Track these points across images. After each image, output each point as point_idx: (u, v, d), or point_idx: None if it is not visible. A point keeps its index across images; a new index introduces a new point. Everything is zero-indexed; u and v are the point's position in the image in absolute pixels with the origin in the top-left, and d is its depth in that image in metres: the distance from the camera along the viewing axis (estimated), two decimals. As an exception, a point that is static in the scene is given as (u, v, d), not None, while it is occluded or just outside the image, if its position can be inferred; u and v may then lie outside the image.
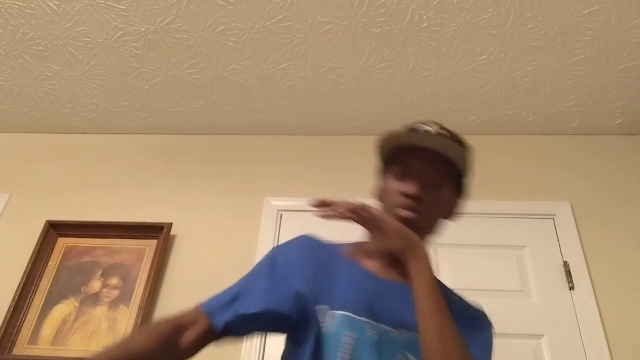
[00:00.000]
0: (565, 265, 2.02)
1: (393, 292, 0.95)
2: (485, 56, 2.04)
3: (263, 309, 0.92)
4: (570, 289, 1.97)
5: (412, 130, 1.02)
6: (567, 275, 1.99)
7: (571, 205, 2.15)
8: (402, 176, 0.98)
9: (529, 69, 2.08)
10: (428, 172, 0.97)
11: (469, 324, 0.95)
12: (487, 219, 2.16)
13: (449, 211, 1.03)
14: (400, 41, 2.00)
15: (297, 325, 0.92)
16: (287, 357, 0.96)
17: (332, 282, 0.96)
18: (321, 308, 0.92)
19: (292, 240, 1.06)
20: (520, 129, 2.38)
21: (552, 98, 2.21)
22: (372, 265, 1.00)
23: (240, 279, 1.03)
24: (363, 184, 2.42)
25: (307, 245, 1.04)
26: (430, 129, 1.01)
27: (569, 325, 1.90)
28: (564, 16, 1.86)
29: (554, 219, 2.14)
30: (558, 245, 2.07)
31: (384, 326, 0.90)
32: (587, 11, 1.84)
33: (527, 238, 2.11)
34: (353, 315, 0.90)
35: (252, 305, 0.93)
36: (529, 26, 1.91)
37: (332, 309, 0.91)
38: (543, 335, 1.89)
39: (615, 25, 1.88)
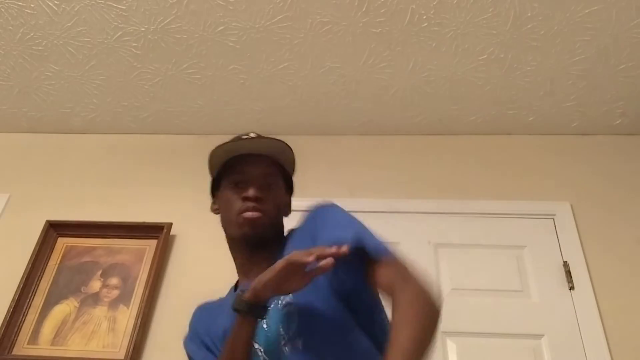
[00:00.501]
0: (565, 265, 2.02)
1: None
2: (485, 56, 2.04)
3: None
4: (570, 289, 1.97)
5: (235, 140, 1.09)
6: (567, 275, 1.99)
7: (571, 205, 2.15)
8: (237, 184, 1.05)
9: (529, 69, 2.08)
10: (260, 174, 1.05)
11: (308, 231, 1.00)
12: (487, 219, 2.16)
13: (285, 208, 1.11)
14: (400, 41, 2.00)
15: None
16: None
17: (214, 329, 1.03)
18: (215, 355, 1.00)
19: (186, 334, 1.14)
20: (520, 129, 2.38)
21: (552, 98, 2.21)
22: (241, 281, 1.09)
23: None
24: (363, 183, 2.43)
25: (192, 322, 1.14)
26: (252, 136, 1.09)
27: (569, 325, 1.90)
28: (564, 16, 1.86)
29: (554, 219, 2.14)
30: (558, 245, 2.07)
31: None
32: (587, 11, 1.84)
33: (527, 238, 2.11)
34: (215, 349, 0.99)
35: None
36: (529, 26, 1.91)
37: (214, 343, 0.99)
38: (543, 335, 1.89)
39: (615, 25, 1.88)
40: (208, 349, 1.04)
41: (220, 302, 1.12)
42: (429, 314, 0.81)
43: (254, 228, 1.01)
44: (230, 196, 1.05)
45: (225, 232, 1.09)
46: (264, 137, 1.09)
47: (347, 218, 1.00)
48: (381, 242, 0.94)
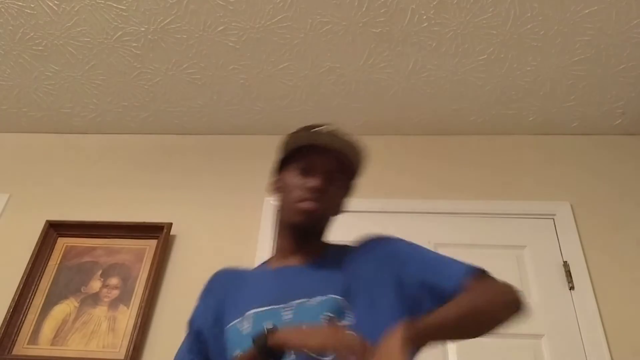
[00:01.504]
0: (565, 265, 2.02)
1: (293, 274, 1.02)
2: (485, 56, 2.04)
3: None
4: (570, 289, 1.97)
5: (314, 131, 1.08)
6: (567, 275, 1.99)
7: (571, 205, 2.16)
8: (304, 172, 1.04)
9: (529, 69, 2.08)
10: (328, 168, 1.04)
11: (378, 259, 1.00)
12: (487, 219, 2.16)
13: (338, 207, 1.10)
14: (400, 41, 2.00)
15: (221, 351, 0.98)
16: None
17: (239, 295, 1.03)
18: (232, 325, 0.97)
19: (199, 299, 1.15)
20: (520, 129, 2.38)
21: (552, 98, 2.21)
22: (277, 263, 1.08)
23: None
24: (363, 183, 2.43)
25: (212, 282, 1.14)
26: (330, 130, 1.08)
27: (569, 325, 1.90)
28: (564, 16, 1.86)
29: (554, 219, 2.14)
30: (558, 245, 2.07)
31: (295, 302, 0.94)
32: (587, 11, 1.84)
33: (527, 238, 2.11)
34: (261, 309, 0.95)
35: None
36: (529, 26, 1.91)
37: (243, 313, 0.96)
38: (543, 335, 1.89)
39: (615, 25, 1.88)
40: (215, 319, 1.03)
41: (245, 274, 1.12)
42: (509, 301, 0.92)
43: (308, 219, 1.01)
44: (294, 181, 1.04)
45: (280, 215, 1.09)
46: (342, 135, 1.07)
47: (430, 253, 1.04)
48: (454, 263, 1.00)
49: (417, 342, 0.81)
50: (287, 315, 0.93)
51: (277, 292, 0.97)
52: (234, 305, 1.01)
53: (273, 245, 2.14)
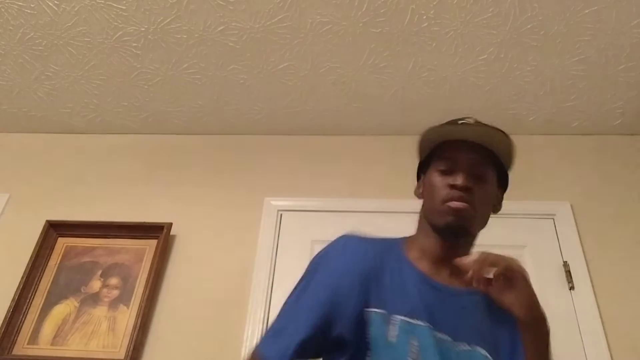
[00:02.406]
0: (565, 265, 2.02)
1: (450, 298, 0.94)
2: (485, 56, 2.04)
3: (311, 330, 0.89)
4: (570, 289, 1.97)
5: (453, 124, 1.01)
6: (567, 275, 1.99)
7: (571, 205, 2.15)
8: (448, 170, 0.98)
9: (529, 69, 2.08)
10: (474, 164, 0.98)
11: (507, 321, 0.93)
12: (487, 219, 2.16)
13: (494, 204, 1.03)
14: (400, 41, 2.00)
15: (351, 334, 0.88)
16: None
17: (383, 282, 0.93)
18: (374, 312, 0.89)
19: (332, 244, 1.01)
20: (520, 129, 2.38)
21: (552, 98, 2.21)
22: (424, 266, 0.98)
23: (287, 301, 0.98)
24: (363, 183, 2.43)
25: (347, 247, 1.00)
26: (469, 121, 1.01)
27: (569, 325, 1.90)
28: (564, 16, 1.86)
29: (554, 219, 2.14)
30: (558, 245, 2.07)
31: (442, 335, 0.88)
32: (587, 11, 1.84)
33: (527, 238, 2.11)
34: (415, 321, 0.88)
35: (300, 331, 0.89)
36: (529, 26, 1.91)
37: (390, 313, 0.88)
38: (543, 335, 1.89)
39: (615, 25, 1.88)
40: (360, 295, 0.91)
41: (383, 255, 0.99)
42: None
43: (459, 219, 0.95)
44: (437, 182, 0.99)
45: (426, 219, 1.02)
46: (481, 125, 1.00)
47: None
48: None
49: None
50: (434, 341, 0.87)
51: (431, 310, 0.90)
52: (378, 292, 0.91)
53: (273, 245, 2.15)
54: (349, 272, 0.94)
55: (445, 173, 0.99)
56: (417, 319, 0.88)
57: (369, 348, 0.86)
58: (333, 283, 0.93)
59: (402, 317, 0.88)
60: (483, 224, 1.01)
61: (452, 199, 0.95)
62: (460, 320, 0.91)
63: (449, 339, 0.88)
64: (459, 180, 0.95)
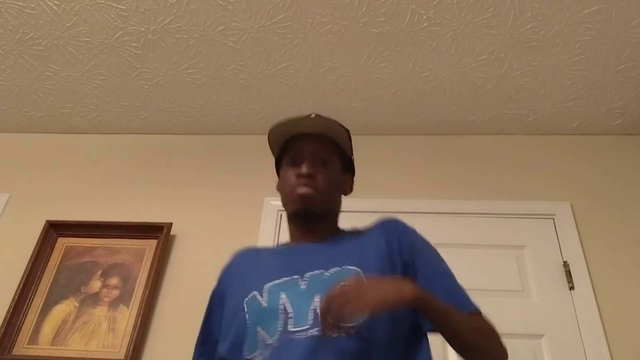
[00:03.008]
0: (565, 265, 2.02)
1: (308, 249, 1.06)
2: (485, 56, 2.04)
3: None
4: (570, 289, 1.97)
5: (291, 119, 1.11)
6: (567, 275, 1.99)
7: (571, 205, 2.15)
8: (293, 161, 1.10)
9: (529, 69, 2.08)
10: (314, 151, 1.09)
11: (389, 242, 1.03)
12: (487, 219, 2.16)
13: (342, 186, 1.15)
14: (400, 41, 2.00)
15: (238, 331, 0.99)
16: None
17: (254, 272, 1.06)
18: (250, 298, 0.99)
19: (224, 265, 1.19)
20: (520, 129, 2.38)
21: (552, 98, 2.21)
22: (291, 244, 1.13)
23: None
24: (362, 183, 2.42)
25: (231, 262, 1.17)
26: (312, 116, 1.11)
27: (569, 325, 1.90)
28: (564, 16, 1.86)
29: (554, 219, 2.14)
30: (558, 245, 2.07)
31: (309, 273, 0.98)
32: (587, 11, 1.84)
33: (527, 238, 2.11)
34: (276, 281, 0.98)
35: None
36: (529, 26, 1.91)
37: (260, 288, 0.99)
38: (543, 335, 1.89)
39: (615, 25, 1.88)
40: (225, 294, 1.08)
41: (261, 252, 1.19)
42: (491, 339, 0.99)
43: (305, 203, 1.05)
44: (287, 173, 1.10)
45: (285, 209, 1.14)
46: (319, 117, 1.11)
47: (441, 262, 1.09)
48: (467, 296, 1.04)
49: (416, 300, 0.87)
50: (302, 286, 0.96)
51: (293, 266, 1.01)
52: (249, 280, 1.03)
53: (273, 245, 2.14)
54: (225, 283, 1.13)
55: (293, 164, 1.10)
56: (282, 278, 0.99)
57: (247, 326, 0.96)
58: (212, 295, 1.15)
59: (269, 284, 0.98)
60: (332, 205, 1.12)
61: (298, 185, 1.06)
62: (322, 257, 1.01)
63: (319, 271, 0.98)
64: (303, 168, 1.06)
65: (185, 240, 2.21)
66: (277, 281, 0.98)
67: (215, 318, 1.08)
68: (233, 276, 1.11)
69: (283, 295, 0.95)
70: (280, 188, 1.15)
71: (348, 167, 1.17)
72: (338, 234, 1.12)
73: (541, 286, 1.99)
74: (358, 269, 0.96)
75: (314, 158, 1.08)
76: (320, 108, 2.34)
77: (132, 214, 2.27)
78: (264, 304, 0.96)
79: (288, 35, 2.00)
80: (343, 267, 0.97)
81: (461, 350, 0.96)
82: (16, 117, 2.53)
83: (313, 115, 1.11)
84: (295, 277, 0.98)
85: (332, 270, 0.97)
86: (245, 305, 0.98)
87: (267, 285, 0.98)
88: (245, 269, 1.10)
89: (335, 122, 1.12)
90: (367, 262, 0.98)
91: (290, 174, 1.09)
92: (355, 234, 1.10)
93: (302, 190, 1.05)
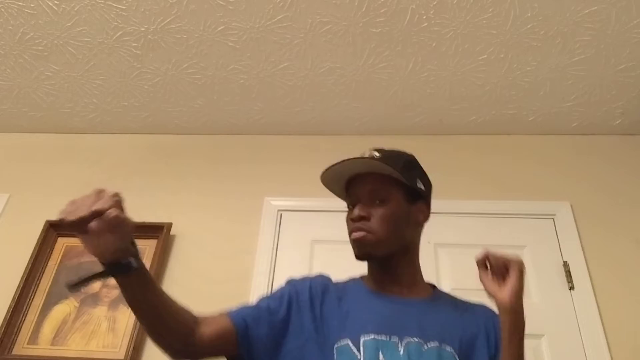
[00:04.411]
0: (565, 265, 2.02)
1: (406, 308, 1.01)
2: (485, 56, 2.04)
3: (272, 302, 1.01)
4: (570, 289, 1.97)
5: (341, 163, 1.08)
6: (567, 275, 1.99)
7: (571, 205, 2.15)
8: (352, 205, 1.07)
9: (529, 69, 2.08)
10: (366, 193, 1.05)
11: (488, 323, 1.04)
12: (487, 219, 2.16)
13: (411, 218, 1.08)
14: (400, 41, 2.00)
15: None
16: None
17: (344, 315, 0.99)
18: (341, 345, 0.94)
19: (308, 277, 1.11)
20: (520, 129, 2.38)
21: (552, 98, 2.21)
22: (373, 285, 1.06)
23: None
24: (363, 184, 2.43)
25: (319, 283, 1.08)
26: (366, 154, 1.08)
27: (569, 325, 1.90)
28: (564, 16, 1.86)
29: (554, 219, 2.14)
30: (558, 245, 2.07)
31: (408, 339, 0.95)
32: (587, 11, 1.84)
33: (527, 238, 2.11)
34: (375, 336, 0.94)
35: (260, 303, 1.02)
36: (529, 26, 1.91)
37: (355, 338, 0.94)
38: (543, 335, 1.89)
39: (615, 25, 1.88)
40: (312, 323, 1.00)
41: (342, 287, 1.09)
42: None
43: (361, 248, 1.03)
44: (347, 220, 1.07)
45: None
46: (363, 157, 1.07)
47: None
48: None
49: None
50: (401, 351, 0.93)
51: (390, 323, 0.97)
52: (339, 321, 0.98)
53: (273, 245, 2.15)
54: (312, 302, 1.03)
55: (350, 209, 1.08)
56: (378, 333, 0.94)
57: None
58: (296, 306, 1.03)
59: (366, 337, 0.94)
60: (397, 242, 1.05)
61: (352, 231, 1.04)
62: (422, 322, 0.98)
63: (418, 341, 0.95)
64: (354, 212, 1.04)
65: (185, 240, 2.21)
66: (374, 336, 0.94)
67: (284, 319, 1.00)
68: (316, 299, 1.03)
69: (382, 357, 0.92)
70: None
71: (418, 195, 1.10)
72: (435, 295, 1.08)
73: (541, 286, 1.99)
74: (454, 353, 0.95)
75: (368, 199, 1.05)
76: (320, 108, 2.35)
77: (132, 214, 2.25)
78: (360, 358, 0.91)
79: (288, 35, 2.00)
80: (442, 345, 0.95)
81: None
82: (16, 117, 2.53)
83: (367, 154, 1.07)
84: (394, 339, 0.94)
85: (431, 344, 0.94)
86: (335, 351, 0.94)
87: (364, 339, 0.94)
88: (331, 303, 1.02)
89: (389, 155, 1.08)
90: (465, 347, 0.97)
91: (348, 220, 1.07)
92: (452, 302, 1.07)
93: (355, 235, 1.03)
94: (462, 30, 1.94)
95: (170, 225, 2.20)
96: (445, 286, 1.99)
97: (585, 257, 2.02)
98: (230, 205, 2.30)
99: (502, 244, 2.10)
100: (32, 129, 2.61)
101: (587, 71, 2.07)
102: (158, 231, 2.18)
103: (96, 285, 2.10)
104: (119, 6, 1.94)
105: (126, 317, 2.01)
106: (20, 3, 1.96)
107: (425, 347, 0.94)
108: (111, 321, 2.01)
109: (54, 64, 2.21)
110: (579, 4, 1.82)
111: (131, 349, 1.91)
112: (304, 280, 1.08)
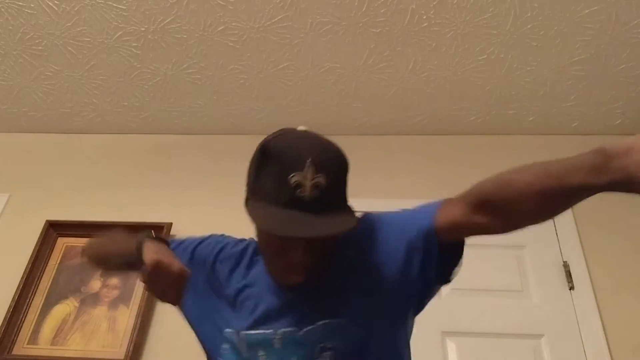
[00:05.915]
0: (565, 265, 2.02)
1: (295, 294, 0.94)
2: (485, 56, 2.04)
3: None
4: (570, 289, 1.97)
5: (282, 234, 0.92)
6: (567, 275, 1.99)
7: (571, 205, 2.15)
8: (286, 241, 0.95)
9: (529, 69, 2.08)
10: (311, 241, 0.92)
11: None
12: (487, 219, 2.16)
13: (334, 246, 0.99)
14: (400, 41, 2.00)
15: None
16: None
17: (236, 294, 0.99)
18: (229, 332, 0.94)
19: (206, 240, 1.17)
20: (520, 129, 2.38)
21: (552, 98, 2.21)
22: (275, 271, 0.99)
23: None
24: (362, 183, 2.42)
25: (219, 248, 1.14)
26: (305, 197, 0.90)
27: (569, 325, 1.90)
28: (564, 16, 1.86)
29: (554, 219, 2.13)
30: (558, 245, 2.07)
31: (286, 329, 0.89)
32: (587, 11, 1.84)
33: (527, 238, 2.10)
34: (257, 331, 0.90)
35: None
36: (529, 26, 1.91)
37: (241, 327, 0.92)
38: (543, 335, 1.89)
39: (615, 25, 1.88)
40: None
41: (240, 257, 1.10)
42: None
43: (296, 284, 0.93)
44: (275, 244, 0.95)
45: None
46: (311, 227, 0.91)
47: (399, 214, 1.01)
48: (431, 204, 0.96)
49: None
50: (277, 345, 0.88)
51: (271, 312, 0.92)
52: (228, 301, 0.99)
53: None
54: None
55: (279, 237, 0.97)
56: (259, 328, 0.91)
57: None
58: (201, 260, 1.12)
59: (247, 332, 0.92)
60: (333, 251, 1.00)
61: (289, 271, 0.96)
62: (304, 306, 0.91)
63: (292, 329, 0.89)
64: (294, 257, 0.93)
65: (185, 240, 2.20)
66: (255, 331, 0.90)
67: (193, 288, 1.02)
68: (213, 272, 1.06)
69: (262, 354, 0.88)
70: (262, 244, 1.06)
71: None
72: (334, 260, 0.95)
73: (541, 286, 1.99)
74: (345, 322, 0.88)
75: (311, 244, 0.95)
76: (320, 108, 2.35)
77: (132, 214, 2.27)
78: (244, 354, 0.90)
79: (288, 35, 2.00)
80: (329, 321, 0.88)
81: None
82: (16, 117, 2.53)
83: (307, 194, 0.91)
84: (269, 331, 0.89)
85: (308, 327, 0.87)
86: (225, 336, 0.94)
87: (244, 333, 0.91)
88: (228, 276, 1.03)
89: (333, 200, 0.96)
90: (369, 302, 0.92)
91: (279, 250, 0.97)
92: (354, 258, 0.97)
93: (294, 279, 0.94)
94: (462, 30, 1.94)
95: (170, 225, 2.20)
96: (445, 286, 2.00)
97: (585, 257, 2.02)
98: (230, 205, 2.29)
99: (502, 243, 2.11)
100: (32, 129, 2.61)
101: (587, 71, 2.07)
102: (158, 231, 2.18)
103: (96, 285, 2.10)
104: (119, 6, 1.94)
105: (126, 317, 2.01)
106: (20, 3, 1.96)
107: (301, 333, 0.87)
108: (111, 321, 2.01)
109: (54, 64, 2.21)
110: (579, 4, 1.82)
111: (131, 349, 1.91)
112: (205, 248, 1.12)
